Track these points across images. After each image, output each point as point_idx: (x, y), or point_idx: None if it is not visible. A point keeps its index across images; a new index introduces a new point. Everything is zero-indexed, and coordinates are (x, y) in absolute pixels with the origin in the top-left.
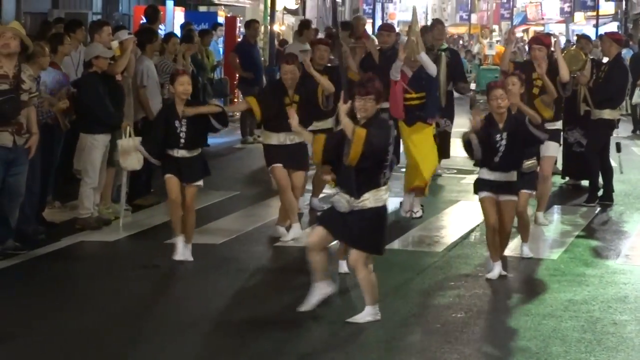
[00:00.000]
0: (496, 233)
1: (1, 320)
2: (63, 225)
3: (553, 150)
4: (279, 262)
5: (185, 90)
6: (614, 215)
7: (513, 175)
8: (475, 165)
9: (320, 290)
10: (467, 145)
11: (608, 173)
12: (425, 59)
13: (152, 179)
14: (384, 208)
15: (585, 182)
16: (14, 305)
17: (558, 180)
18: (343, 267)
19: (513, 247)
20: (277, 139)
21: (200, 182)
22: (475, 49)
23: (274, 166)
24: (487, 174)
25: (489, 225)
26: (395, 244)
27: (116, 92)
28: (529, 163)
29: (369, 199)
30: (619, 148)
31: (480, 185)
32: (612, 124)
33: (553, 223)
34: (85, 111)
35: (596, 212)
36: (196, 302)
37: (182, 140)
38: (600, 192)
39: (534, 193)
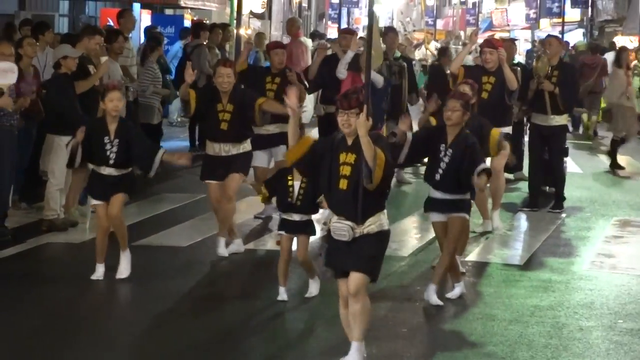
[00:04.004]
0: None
1: None
2: (29, 227)
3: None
4: (246, 266)
5: (114, 107)
6: (580, 222)
7: (462, 195)
8: (424, 179)
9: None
10: (398, 145)
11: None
12: (374, 76)
13: None
14: (389, 232)
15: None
16: None
17: (524, 186)
18: (282, 295)
19: (478, 252)
20: (212, 149)
21: (126, 196)
22: (419, 54)
23: (207, 183)
24: (433, 192)
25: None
26: None
27: (89, 96)
28: None
29: (373, 225)
30: (566, 153)
31: (430, 205)
32: (567, 128)
33: (519, 229)
34: (52, 112)
35: (562, 218)
36: (158, 305)
37: (112, 161)
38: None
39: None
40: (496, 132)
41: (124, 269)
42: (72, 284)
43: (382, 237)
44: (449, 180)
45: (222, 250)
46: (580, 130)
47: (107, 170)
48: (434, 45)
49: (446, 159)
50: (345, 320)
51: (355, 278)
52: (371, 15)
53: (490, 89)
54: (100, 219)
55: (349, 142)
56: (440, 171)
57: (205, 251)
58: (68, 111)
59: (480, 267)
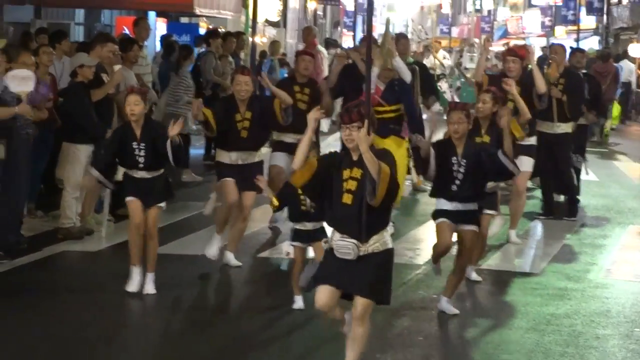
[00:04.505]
0: (443, 256)
1: None
2: (45, 235)
3: (527, 165)
4: (262, 274)
5: (130, 110)
6: (596, 230)
7: (474, 205)
8: (431, 195)
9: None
10: (424, 160)
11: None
12: (400, 64)
13: None
14: (393, 250)
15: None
16: None
17: (539, 194)
18: (299, 302)
19: (494, 261)
20: (228, 157)
21: (163, 204)
22: (427, 63)
23: (225, 180)
24: (445, 204)
25: (439, 249)
26: None
27: (104, 104)
28: (492, 183)
29: (378, 243)
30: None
31: (437, 215)
32: (573, 136)
33: (535, 237)
34: (69, 121)
35: (578, 225)
36: (177, 313)
37: (141, 165)
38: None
39: (496, 213)
40: (513, 120)
41: (150, 288)
42: (87, 293)
43: (387, 258)
44: (466, 189)
45: (233, 261)
46: (595, 138)
47: (139, 174)
48: (442, 54)
49: (462, 169)
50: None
51: (363, 303)
52: (369, 33)
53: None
54: (134, 214)
55: (354, 157)
56: (458, 182)
57: (221, 260)
58: (84, 120)
59: (497, 276)
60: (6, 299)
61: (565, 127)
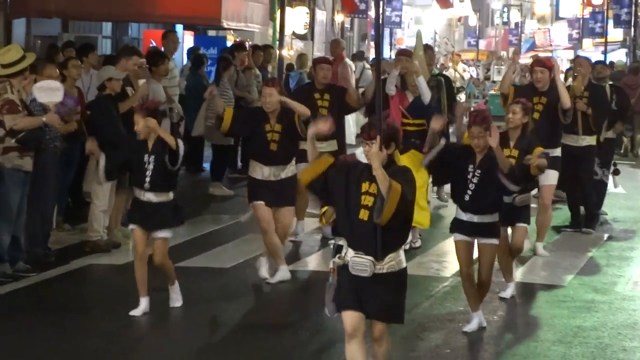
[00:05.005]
0: (472, 281)
1: (10, 341)
2: (73, 248)
3: (553, 179)
4: (289, 289)
5: (136, 129)
6: (623, 242)
7: (490, 217)
8: (451, 197)
9: None
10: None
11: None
12: (422, 84)
13: None
14: (406, 270)
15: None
16: (22, 327)
17: (565, 206)
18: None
19: (521, 273)
20: (261, 173)
21: (168, 233)
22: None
23: (256, 204)
24: (460, 214)
25: (462, 273)
26: None
27: (128, 118)
28: (522, 197)
29: (393, 261)
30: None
31: (454, 226)
32: (595, 149)
33: (562, 249)
34: (96, 133)
35: (605, 238)
36: (203, 329)
37: (148, 179)
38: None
39: (527, 226)
40: (537, 150)
41: (175, 300)
42: (114, 306)
43: (402, 278)
44: (478, 200)
45: (265, 273)
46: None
47: (145, 196)
48: (462, 67)
49: (475, 180)
50: (351, 356)
51: (379, 325)
52: (378, 45)
53: (541, 110)
54: (137, 244)
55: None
56: (470, 192)
57: (248, 273)
58: (111, 132)
59: (524, 288)
60: (34, 311)
61: (590, 140)
